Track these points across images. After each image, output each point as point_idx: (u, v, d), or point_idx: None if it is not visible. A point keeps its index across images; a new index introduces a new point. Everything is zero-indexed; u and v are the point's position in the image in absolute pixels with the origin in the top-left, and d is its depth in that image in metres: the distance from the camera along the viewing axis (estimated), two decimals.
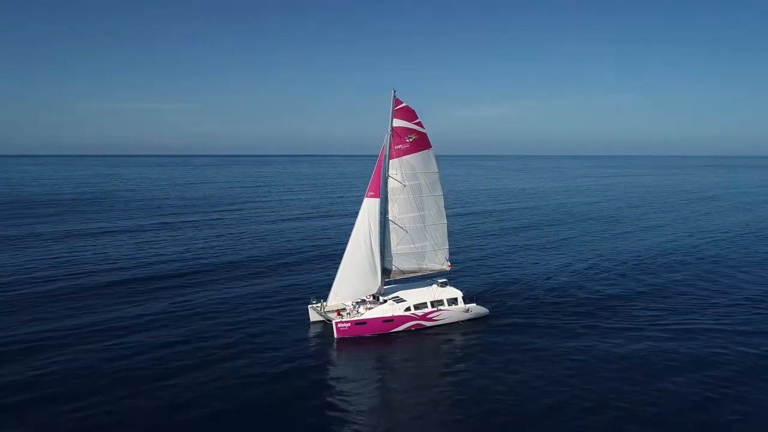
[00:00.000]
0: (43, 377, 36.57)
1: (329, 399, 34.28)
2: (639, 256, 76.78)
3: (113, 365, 38.57)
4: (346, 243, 48.28)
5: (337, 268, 48.12)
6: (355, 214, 48.45)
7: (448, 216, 51.45)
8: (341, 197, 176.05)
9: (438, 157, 49.73)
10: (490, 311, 50.02)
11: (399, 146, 47.79)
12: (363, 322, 45.14)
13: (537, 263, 72.50)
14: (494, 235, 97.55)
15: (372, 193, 47.44)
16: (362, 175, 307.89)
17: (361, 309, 46.68)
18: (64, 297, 55.46)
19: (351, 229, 48.34)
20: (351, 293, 47.73)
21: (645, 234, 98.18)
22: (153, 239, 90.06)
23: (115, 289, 58.42)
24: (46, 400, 33.39)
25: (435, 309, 47.41)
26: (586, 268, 69.24)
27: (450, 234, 51.95)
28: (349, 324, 44.82)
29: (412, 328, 46.66)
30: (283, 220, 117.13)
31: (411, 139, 48.02)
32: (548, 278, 63.94)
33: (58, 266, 69.04)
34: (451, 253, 52.16)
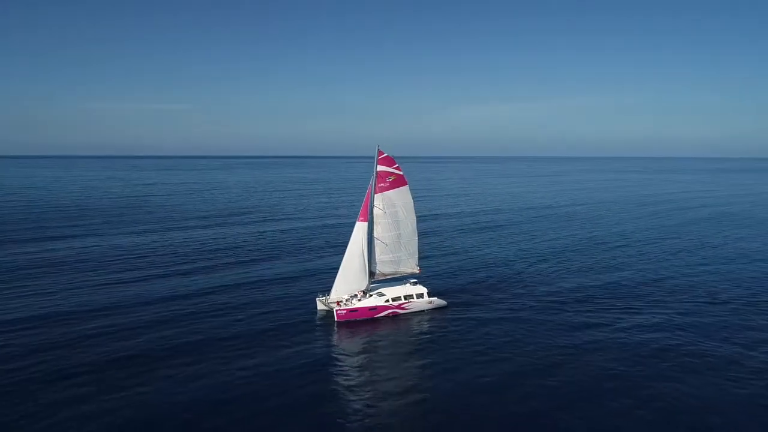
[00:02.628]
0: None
1: (330, 362, 52.45)
2: (579, 255, 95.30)
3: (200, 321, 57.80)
4: (344, 252, 67.16)
5: (337, 271, 67.00)
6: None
7: (422, 220, 70.21)
8: (350, 202, 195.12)
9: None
10: (448, 303, 68.83)
11: (381, 184, 66.63)
12: (355, 310, 63.96)
13: (491, 263, 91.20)
14: (460, 237, 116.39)
15: (362, 218, 66.27)
16: (364, 179, 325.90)
17: (354, 301, 65.41)
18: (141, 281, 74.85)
19: (348, 242, 67.18)
20: (347, 289, 66.45)
21: (595, 235, 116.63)
22: (202, 238, 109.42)
23: (187, 275, 78.01)
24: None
25: (406, 301, 66.24)
26: (531, 267, 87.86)
27: (421, 235, 70.92)
28: (345, 311, 63.60)
29: (390, 315, 65.43)
30: (297, 225, 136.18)
31: (390, 180, 66.87)
32: (498, 277, 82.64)
33: (136, 260, 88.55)
34: (421, 257, 71.31)
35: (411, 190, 69.19)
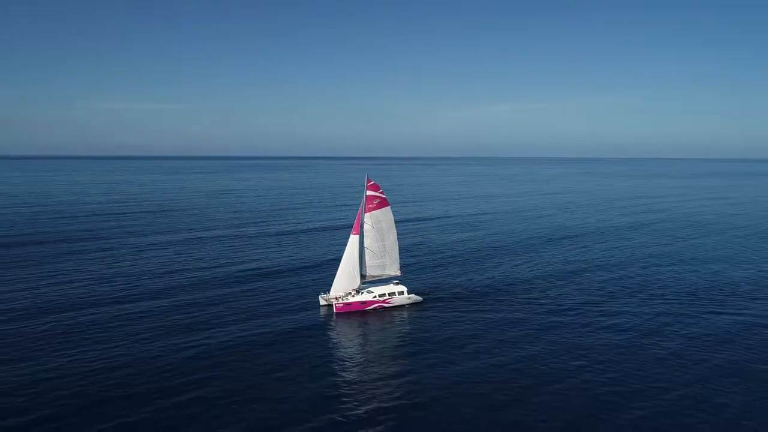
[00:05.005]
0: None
1: (330, 345, 70.06)
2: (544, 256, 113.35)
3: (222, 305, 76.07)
4: (341, 258, 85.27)
5: (335, 273, 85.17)
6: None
7: (402, 224, 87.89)
8: (349, 206, 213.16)
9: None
10: (423, 299, 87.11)
11: (370, 205, 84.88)
12: (350, 304, 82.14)
13: (463, 265, 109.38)
14: (438, 240, 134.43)
15: (355, 232, 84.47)
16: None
17: (349, 297, 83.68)
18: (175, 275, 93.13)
19: (344, 250, 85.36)
20: (343, 288, 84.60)
21: (558, 237, 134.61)
22: (223, 240, 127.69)
23: (213, 272, 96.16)
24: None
25: (390, 297, 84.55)
26: (498, 267, 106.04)
27: (401, 237, 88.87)
28: (342, 304, 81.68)
29: (378, 308, 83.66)
30: (303, 231, 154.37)
31: (377, 202, 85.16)
32: (468, 276, 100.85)
33: (174, 263, 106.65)
34: (402, 263, 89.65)
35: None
